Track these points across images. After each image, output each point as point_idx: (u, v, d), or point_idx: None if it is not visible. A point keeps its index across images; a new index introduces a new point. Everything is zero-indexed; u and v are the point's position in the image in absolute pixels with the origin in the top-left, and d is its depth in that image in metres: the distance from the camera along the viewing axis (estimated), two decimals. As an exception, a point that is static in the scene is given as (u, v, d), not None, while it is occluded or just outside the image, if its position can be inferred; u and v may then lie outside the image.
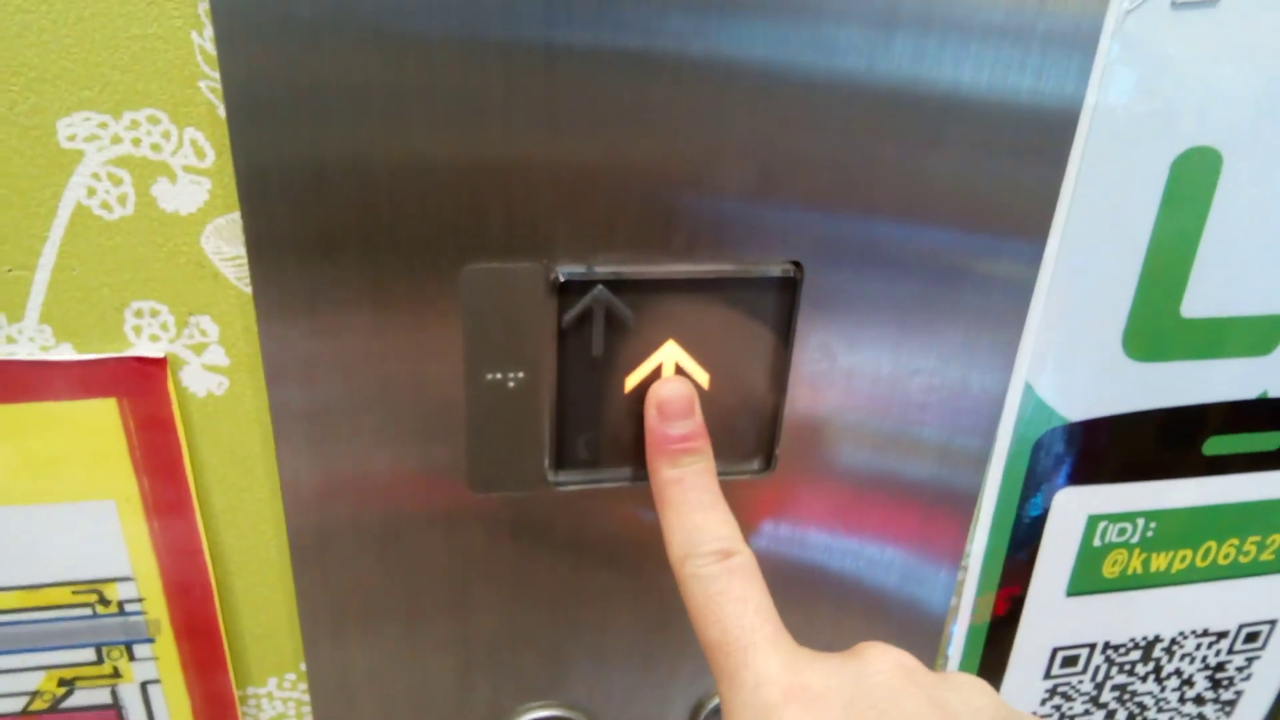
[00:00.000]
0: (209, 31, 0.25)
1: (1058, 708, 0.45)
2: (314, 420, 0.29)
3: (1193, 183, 0.33)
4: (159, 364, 0.28)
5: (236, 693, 0.34)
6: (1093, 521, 0.39)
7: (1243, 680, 0.47)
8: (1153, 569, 0.42)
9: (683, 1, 0.25)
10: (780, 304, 0.30)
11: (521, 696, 0.36)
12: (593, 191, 0.27)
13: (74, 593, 0.31)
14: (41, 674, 0.32)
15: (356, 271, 0.27)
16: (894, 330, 0.31)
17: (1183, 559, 0.42)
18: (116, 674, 0.33)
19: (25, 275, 0.27)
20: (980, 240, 0.31)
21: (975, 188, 0.30)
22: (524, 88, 0.26)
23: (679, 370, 0.31)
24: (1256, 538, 0.42)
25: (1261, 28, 0.31)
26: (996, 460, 0.37)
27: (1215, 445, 0.39)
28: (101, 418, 0.29)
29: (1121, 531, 0.40)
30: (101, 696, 0.33)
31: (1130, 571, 0.41)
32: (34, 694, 0.33)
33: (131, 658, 0.33)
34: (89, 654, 0.32)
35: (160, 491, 0.30)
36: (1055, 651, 0.43)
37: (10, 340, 0.27)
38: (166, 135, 0.26)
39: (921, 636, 0.39)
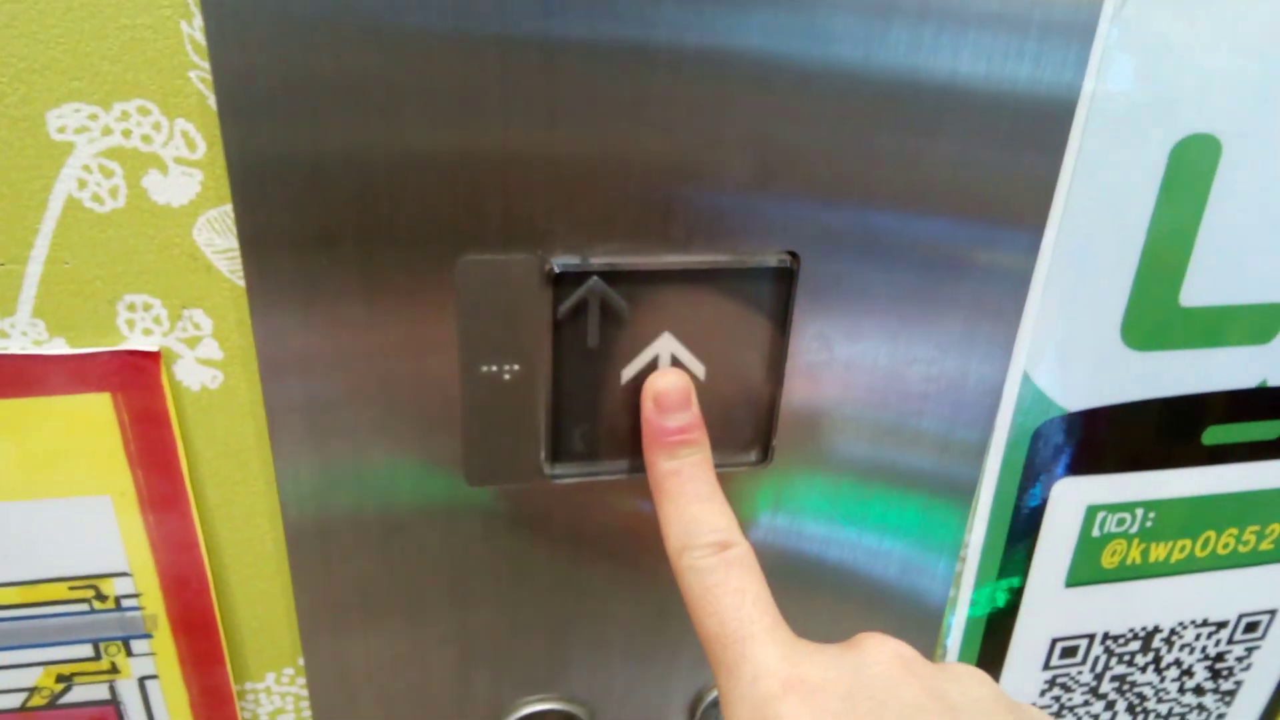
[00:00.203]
0: (198, 21, 0.24)
1: (1057, 698, 0.45)
2: (309, 413, 0.29)
3: (1192, 170, 0.32)
4: (153, 358, 0.28)
5: (235, 687, 0.34)
6: (1092, 512, 0.39)
7: (1242, 670, 0.47)
8: (1152, 559, 0.42)
9: (677, -11, 0.25)
10: (777, 294, 0.30)
11: (520, 689, 0.36)
12: (588, 182, 0.27)
13: (70, 588, 0.31)
14: (39, 670, 0.32)
15: (350, 264, 0.27)
16: (891, 320, 0.31)
17: (1182, 549, 0.42)
18: (114, 669, 0.33)
19: (17, 269, 0.26)
20: (978, 229, 0.30)
21: (973, 176, 0.29)
22: (519, 77, 0.25)
23: (675, 362, 0.30)
24: (1256, 527, 0.42)
25: (1261, 13, 0.30)
26: (995, 450, 0.36)
27: (1214, 435, 0.39)
28: (96, 412, 0.29)
29: (1120, 522, 0.40)
30: (99, 692, 0.33)
31: (1129, 562, 0.41)
32: (32, 690, 0.33)
33: (129, 653, 0.33)
34: (86, 650, 0.32)
35: (156, 486, 0.30)
36: (1054, 642, 0.43)
37: (3, 335, 0.27)
38: (157, 126, 0.25)
39: (920, 628, 0.39)
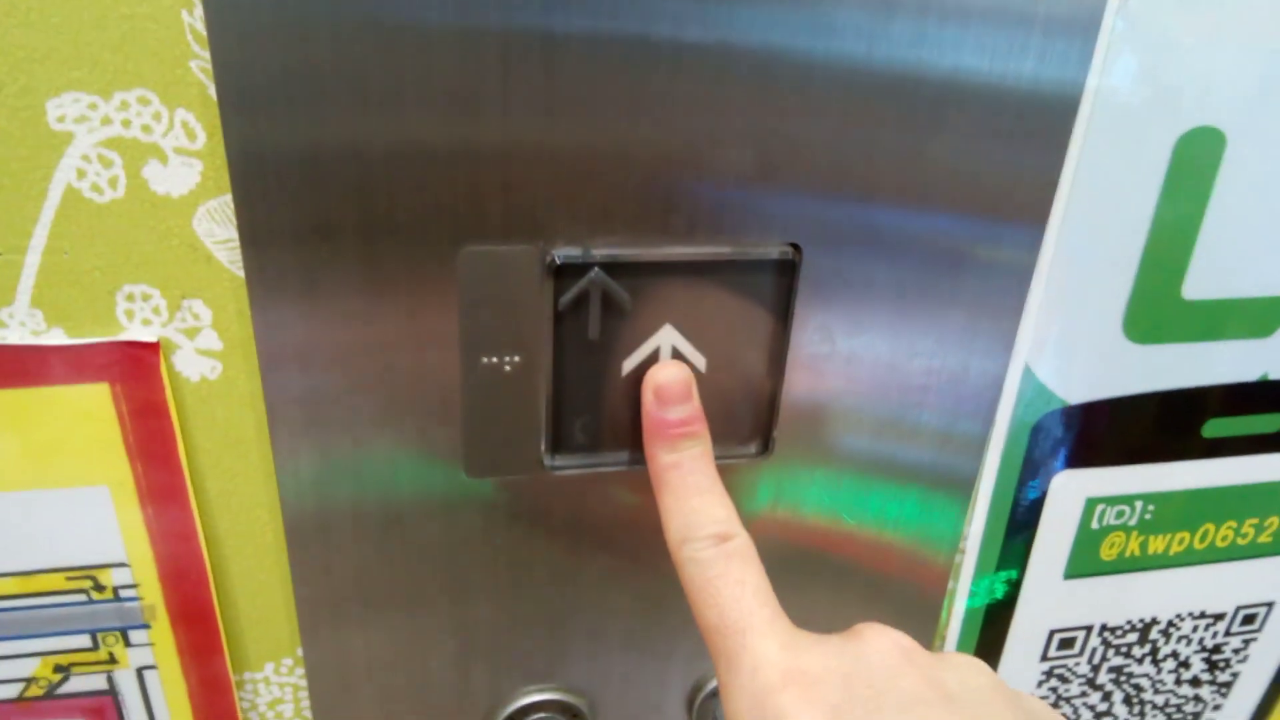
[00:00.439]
0: (199, 11, 0.24)
1: (1054, 689, 0.45)
2: (309, 405, 0.29)
3: (1196, 163, 0.32)
4: (152, 348, 0.28)
5: (233, 678, 0.34)
6: (1091, 504, 0.39)
7: (1239, 662, 0.47)
8: (1151, 551, 0.42)
9: (680, -20, 0.25)
10: (779, 287, 0.30)
11: (519, 680, 0.36)
12: (589, 174, 0.27)
13: (68, 579, 0.31)
14: (37, 660, 0.32)
15: (351, 255, 0.27)
16: (893, 313, 0.31)
17: (1181, 541, 0.42)
18: (112, 660, 0.33)
19: (16, 259, 0.26)
20: (980, 222, 0.30)
21: (976, 170, 0.29)
22: (520, 67, 0.25)
23: (676, 354, 0.30)
24: (1255, 520, 0.42)
25: (1266, 5, 0.30)
26: (995, 443, 0.36)
27: (1215, 428, 0.39)
28: (94, 403, 0.28)
29: (1120, 514, 0.40)
30: (97, 683, 0.33)
31: (1128, 554, 0.41)
32: (29, 680, 0.33)
33: (127, 643, 0.33)
34: (84, 640, 0.32)
35: (154, 477, 0.30)
36: (1052, 634, 0.43)
37: (2, 325, 0.27)
38: (157, 116, 0.25)
39: (919, 619, 0.39)
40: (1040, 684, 0.45)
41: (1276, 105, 0.32)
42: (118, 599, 0.32)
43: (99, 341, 0.28)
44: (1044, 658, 0.44)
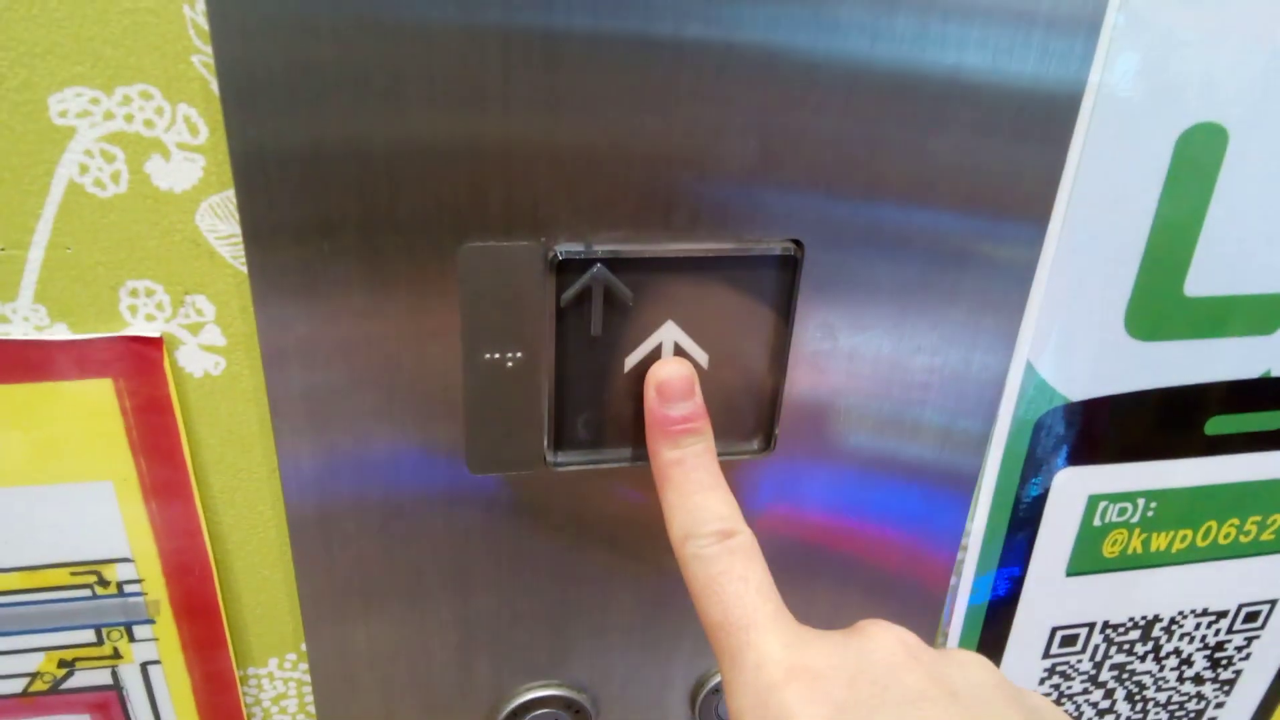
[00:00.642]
0: (201, 5, 0.24)
1: (1056, 687, 0.45)
2: (312, 401, 0.29)
3: (1198, 159, 0.32)
4: (155, 344, 0.28)
5: (237, 673, 0.34)
6: (1093, 501, 0.39)
7: (1241, 660, 0.47)
8: (1153, 549, 0.42)
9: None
10: (781, 283, 0.30)
11: (521, 676, 0.36)
12: (591, 169, 0.27)
13: (73, 574, 0.31)
14: (41, 655, 0.32)
15: (353, 250, 0.27)
16: (895, 310, 0.31)
17: (1183, 539, 0.42)
18: (117, 655, 0.33)
19: (19, 254, 0.26)
20: (983, 219, 0.30)
21: (978, 165, 0.29)
22: (522, 62, 0.25)
23: (678, 350, 0.30)
24: (1257, 517, 0.42)
25: (1268, 1, 0.30)
26: (997, 440, 0.36)
27: (1217, 425, 0.39)
28: (98, 398, 0.28)
29: (1122, 511, 0.40)
30: (102, 677, 0.33)
31: (1130, 551, 0.41)
32: (34, 675, 0.33)
33: (131, 638, 0.33)
34: (89, 635, 0.32)
35: (158, 472, 0.30)
36: (1054, 631, 0.43)
37: (5, 320, 0.27)
38: (160, 111, 0.25)
39: (921, 616, 0.39)
40: (1042, 681, 0.45)
41: (1279, 100, 0.32)
42: (122, 594, 0.32)
43: (102, 337, 0.28)
44: (1046, 655, 0.44)
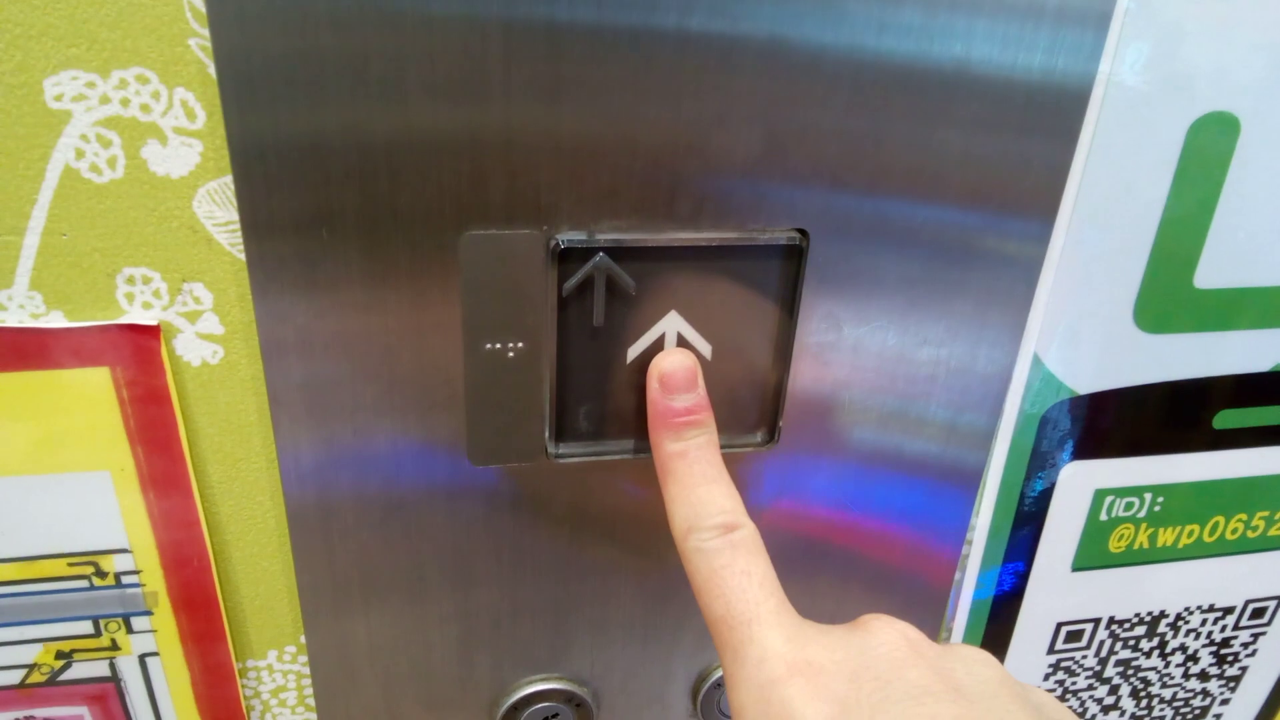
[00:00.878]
0: (199, -12, 0.24)
1: (1061, 682, 0.45)
2: (311, 390, 0.28)
3: (1209, 149, 0.32)
4: (152, 332, 0.28)
5: (236, 665, 0.34)
6: (1099, 495, 0.39)
7: (1248, 656, 0.47)
8: (1159, 544, 0.41)
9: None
10: (785, 273, 0.30)
11: (522, 669, 0.36)
12: (594, 157, 0.27)
13: (70, 565, 0.31)
14: (39, 647, 0.32)
15: (353, 238, 0.27)
16: (901, 302, 0.31)
17: (1190, 534, 0.41)
18: (115, 646, 0.33)
19: (14, 240, 0.26)
20: (990, 211, 0.30)
21: (986, 157, 0.29)
22: (524, 50, 0.25)
23: (682, 341, 0.30)
24: (1265, 513, 0.42)
25: (1282, -11, 0.30)
26: (1003, 433, 0.36)
27: (1226, 419, 0.38)
28: (95, 387, 0.28)
29: (1129, 506, 0.40)
30: (100, 669, 0.33)
31: (1137, 546, 0.41)
32: (31, 667, 0.33)
33: (129, 630, 0.33)
34: (86, 626, 0.32)
35: (156, 462, 0.30)
36: (1059, 626, 0.43)
37: (0, 307, 0.27)
38: (156, 95, 0.25)
39: (925, 610, 0.39)
40: (1047, 676, 0.45)
41: (1293, 90, 0.32)
42: (120, 585, 0.32)
43: (99, 325, 0.28)
44: (1051, 650, 0.44)
